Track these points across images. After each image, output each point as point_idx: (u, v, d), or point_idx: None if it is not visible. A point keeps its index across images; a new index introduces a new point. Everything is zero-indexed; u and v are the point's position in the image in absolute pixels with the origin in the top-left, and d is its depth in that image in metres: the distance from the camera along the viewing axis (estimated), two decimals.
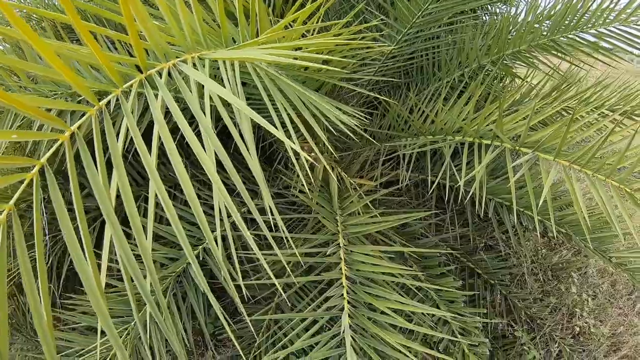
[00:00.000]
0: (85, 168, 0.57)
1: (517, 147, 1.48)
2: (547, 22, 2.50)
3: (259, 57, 0.74)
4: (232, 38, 1.20)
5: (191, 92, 0.68)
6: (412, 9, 1.60)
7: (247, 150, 0.69)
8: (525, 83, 2.33)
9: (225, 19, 0.96)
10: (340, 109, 1.48)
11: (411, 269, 1.91)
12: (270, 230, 1.86)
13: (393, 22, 1.71)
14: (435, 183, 1.72)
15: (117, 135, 0.61)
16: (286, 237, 1.71)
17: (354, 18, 1.87)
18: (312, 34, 1.59)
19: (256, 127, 2.09)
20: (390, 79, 2.16)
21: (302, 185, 1.81)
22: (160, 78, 0.70)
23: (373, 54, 1.70)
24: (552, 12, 2.30)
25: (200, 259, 1.78)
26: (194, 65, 0.76)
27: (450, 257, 2.38)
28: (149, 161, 0.58)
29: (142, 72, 0.69)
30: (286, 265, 0.81)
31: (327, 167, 1.41)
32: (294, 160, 0.86)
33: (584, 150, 1.38)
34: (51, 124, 0.58)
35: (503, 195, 2.07)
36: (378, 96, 1.61)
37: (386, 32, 1.77)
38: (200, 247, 1.81)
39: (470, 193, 1.62)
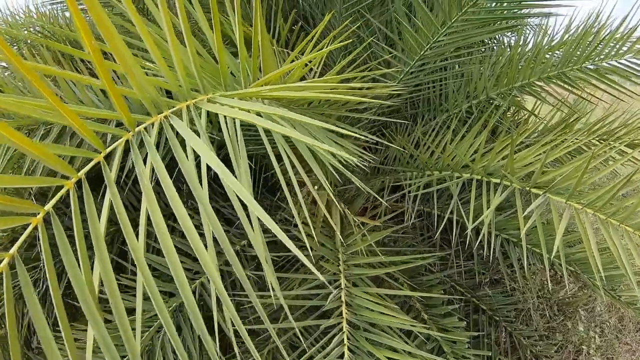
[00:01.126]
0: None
1: (528, 188, 1.39)
2: (558, 52, 2.43)
3: (267, 111, 0.66)
4: (231, 72, 1.12)
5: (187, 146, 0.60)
6: (421, 41, 1.53)
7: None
8: (533, 116, 2.25)
9: (224, 51, 0.87)
10: (342, 141, 1.40)
11: (416, 311, 1.81)
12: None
13: (400, 54, 1.63)
14: (443, 223, 1.63)
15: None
16: (284, 277, 1.62)
17: (362, 50, 1.80)
18: (317, 67, 1.51)
19: (259, 156, 2.01)
20: (396, 112, 2.08)
21: (304, 221, 1.72)
22: (149, 134, 0.62)
23: (379, 91, 1.62)
24: (563, 41, 2.23)
25: (196, 296, 1.68)
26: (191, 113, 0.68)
27: (454, 290, 2.28)
28: (136, 247, 0.49)
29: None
30: (285, 306, 0.72)
31: (322, 203, 1.33)
32: (297, 192, 0.78)
33: (600, 194, 1.29)
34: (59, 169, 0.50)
35: (510, 231, 1.98)
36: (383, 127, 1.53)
37: (394, 65, 1.69)
38: (198, 281, 1.72)
39: (476, 228, 1.53)
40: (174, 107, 0.65)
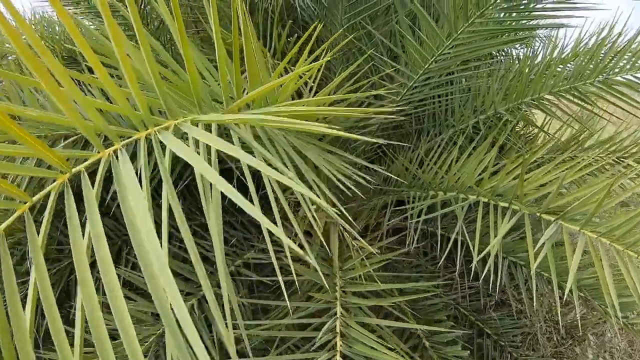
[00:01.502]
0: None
1: (539, 214, 1.28)
2: (570, 64, 2.32)
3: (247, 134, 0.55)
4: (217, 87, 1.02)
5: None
6: (425, 54, 1.42)
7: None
8: (543, 133, 2.13)
9: (193, 59, 0.78)
10: (342, 158, 1.29)
11: (417, 338, 1.70)
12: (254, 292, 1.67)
13: (403, 68, 1.52)
14: (448, 247, 1.52)
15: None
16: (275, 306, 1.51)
17: (364, 62, 1.70)
18: (314, 81, 1.41)
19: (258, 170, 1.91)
20: (400, 127, 1.98)
21: (300, 242, 1.61)
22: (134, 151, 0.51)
23: (383, 104, 1.52)
24: (575, 53, 2.12)
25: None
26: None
27: (458, 313, 2.17)
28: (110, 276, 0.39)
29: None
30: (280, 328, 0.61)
31: (320, 225, 1.22)
32: (291, 217, 0.67)
33: (618, 223, 1.18)
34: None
35: (518, 254, 1.87)
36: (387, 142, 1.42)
37: (397, 80, 1.59)
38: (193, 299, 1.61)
39: (482, 252, 1.42)
40: (129, 137, 0.54)
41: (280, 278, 0.45)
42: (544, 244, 1.22)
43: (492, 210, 1.40)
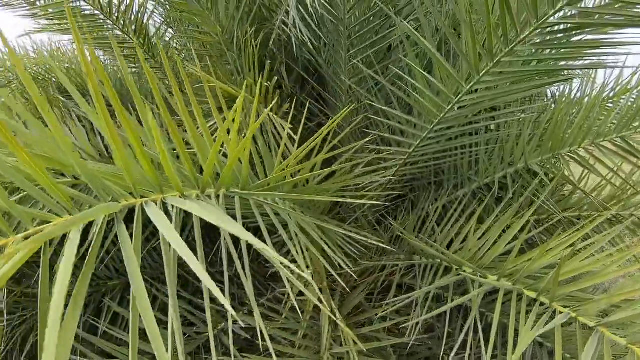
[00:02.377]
0: None
1: (574, 315, 0.95)
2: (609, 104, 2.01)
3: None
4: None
5: None
6: (440, 103, 1.13)
7: None
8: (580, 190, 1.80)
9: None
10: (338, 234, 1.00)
11: None
12: None
13: (416, 119, 1.23)
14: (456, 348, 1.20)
15: None
16: None
17: (368, 107, 1.42)
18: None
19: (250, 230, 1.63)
20: (414, 180, 1.68)
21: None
22: None
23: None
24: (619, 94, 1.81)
25: None
26: None
27: None
28: None
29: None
30: None
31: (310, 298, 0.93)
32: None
33: None
34: None
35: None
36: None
37: (407, 132, 1.30)
38: None
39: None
40: None
41: None
42: None
43: (514, 298, 1.09)
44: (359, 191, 1.40)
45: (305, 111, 1.62)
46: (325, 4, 1.30)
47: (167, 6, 2.03)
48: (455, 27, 1.48)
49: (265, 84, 1.25)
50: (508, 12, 0.85)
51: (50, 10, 2.07)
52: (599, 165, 1.65)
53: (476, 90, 1.09)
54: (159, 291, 1.66)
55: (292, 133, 1.08)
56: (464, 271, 1.22)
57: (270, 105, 0.96)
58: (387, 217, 1.81)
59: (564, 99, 1.60)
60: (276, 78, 1.30)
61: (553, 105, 1.96)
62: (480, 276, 1.19)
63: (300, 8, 1.38)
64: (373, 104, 1.23)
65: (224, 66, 1.49)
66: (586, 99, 1.91)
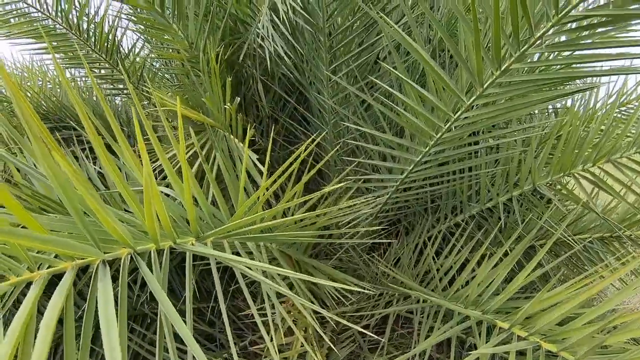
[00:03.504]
0: None
1: None
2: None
3: None
4: None
5: None
6: (436, 121, 0.91)
7: None
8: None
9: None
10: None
11: None
12: None
13: (409, 142, 1.02)
14: None
15: None
16: None
17: (352, 130, 1.21)
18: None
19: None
20: (407, 207, 1.46)
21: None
22: None
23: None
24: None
25: None
26: None
27: None
28: None
29: None
30: None
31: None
32: None
33: None
34: None
35: None
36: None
37: (399, 155, 1.08)
38: None
39: None
40: None
41: None
42: None
43: (531, 351, 0.88)
44: (346, 224, 1.19)
45: (283, 133, 1.41)
46: (302, 12, 1.10)
47: (137, 23, 1.84)
48: (451, 34, 1.28)
49: (225, 105, 1.04)
50: (521, 5, 0.65)
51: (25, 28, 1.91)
52: (611, 181, 1.44)
53: (478, 106, 0.89)
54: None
55: (260, 165, 0.87)
56: (469, 317, 1.01)
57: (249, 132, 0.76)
58: (380, 245, 1.60)
59: (574, 111, 1.39)
60: (238, 99, 1.10)
61: (553, 117, 1.75)
62: (489, 324, 0.98)
63: (275, 18, 1.18)
64: (359, 127, 1.01)
65: (194, 90, 1.28)
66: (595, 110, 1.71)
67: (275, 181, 0.77)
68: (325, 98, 1.23)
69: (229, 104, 1.02)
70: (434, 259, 1.36)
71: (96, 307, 0.48)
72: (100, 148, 0.55)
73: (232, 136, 1.07)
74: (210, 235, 0.69)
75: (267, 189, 0.81)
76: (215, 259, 0.72)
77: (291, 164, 0.77)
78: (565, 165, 1.32)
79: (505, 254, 1.33)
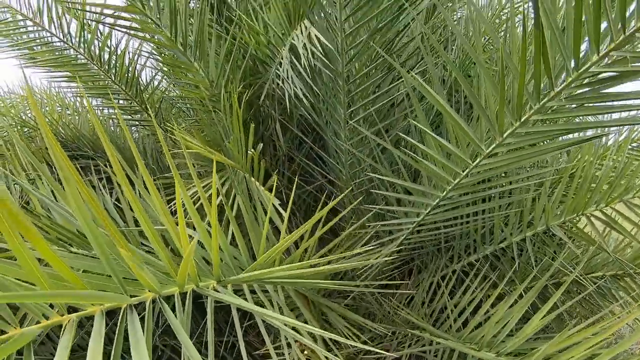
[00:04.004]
0: None
1: None
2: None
3: None
4: None
5: None
6: (454, 168, 0.92)
7: None
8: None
9: None
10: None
11: None
12: None
13: (425, 188, 1.03)
14: None
15: None
16: None
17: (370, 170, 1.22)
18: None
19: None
20: (420, 248, 1.46)
21: None
22: None
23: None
24: None
25: None
26: None
27: None
28: None
29: None
30: None
31: None
32: None
33: None
34: None
35: None
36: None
37: (415, 200, 1.09)
38: None
39: None
40: None
41: None
42: None
43: None
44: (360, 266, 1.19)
45: (300, 172, 1.42)
46: (321, 57, 1.12)
47: (160, 61, 1.88)
48: (465, 74, 1.30)
49: (249, 151, 1.05)
50: (543, 59, 0.66)
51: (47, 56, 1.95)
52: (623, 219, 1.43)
53: (496, 154, 0.89)
54: None
55: (281, 210, 0.88)
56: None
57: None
58: (393, 283, 1.59)
59: (588, 149, 1.40)
60: (261, 144, 1.11)
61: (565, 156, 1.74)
62: None
63: (295, 60, 1.20)
64: (375, 175, 1.02)
65: (213, 126, 1.30)
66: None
67: (293, 229, 0.78)
68: (342, 140, 1.24)
69: (252, 150, 1.04)
70: (448, 298, 1.35)
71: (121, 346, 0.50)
72: (127, 188, 0.57)
73: (252, 178, 1.08)
74: (231, 280, 0.70)
75: (287, 234, 0.82)
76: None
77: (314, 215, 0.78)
78: (578, 206, 1.32)
79: (520, 295, 1.32)
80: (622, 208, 1.39)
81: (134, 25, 1.33)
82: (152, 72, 2.06)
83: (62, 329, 0.51)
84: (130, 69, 1.86)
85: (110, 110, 2.35)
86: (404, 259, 1.52)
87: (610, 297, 1.61)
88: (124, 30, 1.37)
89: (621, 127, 1.56)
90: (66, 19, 1.86)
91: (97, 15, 1.43)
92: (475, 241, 1.43)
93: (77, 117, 2.32)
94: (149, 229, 0.60)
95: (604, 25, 0.65)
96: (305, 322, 1.17)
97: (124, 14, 1.31)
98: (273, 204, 0.86)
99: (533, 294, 1.08)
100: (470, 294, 1.29)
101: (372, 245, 1.28)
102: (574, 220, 1.38)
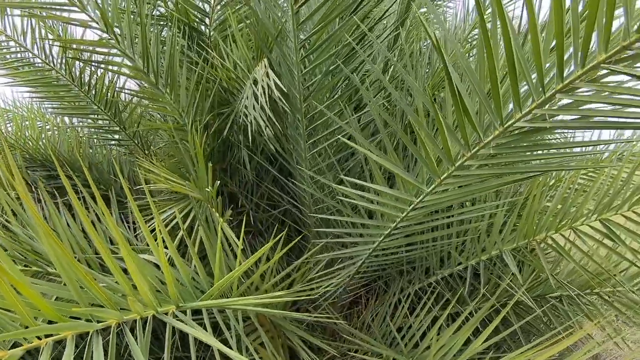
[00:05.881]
0: None
1: None
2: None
3: None
4: None
5: None
6: (400, 206, 0.97)
7: None
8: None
9: None
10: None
11: None
12: None
13: (377, 222, 1.07)
14: None
15: None
16: None
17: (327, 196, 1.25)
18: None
19: None
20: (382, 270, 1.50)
21: None
22: None
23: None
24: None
25: None
26: None
27: None
28: None
29: None
30: None
31: None
32: None
33: None
34: None
35: None
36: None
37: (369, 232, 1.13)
38: None
39: None
40: None
41: None
42: None
43: None
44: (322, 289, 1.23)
45: (267, 196, 1.46)
46: (279, 94, 1.16)
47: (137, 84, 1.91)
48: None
49: (207, 189, 1.09)
50: (467, 118, 0.71)
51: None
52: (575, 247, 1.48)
53: (438, 191, 0.94)
54: None
55: (235, 238, 0.91)
56: None
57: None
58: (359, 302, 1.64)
59: (537, 184, 1.45)
60: (218, 182, 1.15)
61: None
62: None
63: (258, 94, 1.23)
64: (332, 203, 1.06)
65: (184, 153, 1.33)
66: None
67: (259, 248, 0.82)
68: (305, 168, 1.28)
69: (210, 188, 1.07)
70: (406, 316, 1.39)
71: None
72: (85, 219, 0.65)
73: (213, 209, 1.12)
74: (190, 306, 0.74)
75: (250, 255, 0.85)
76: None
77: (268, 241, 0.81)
78: (529, 233, 1.37)
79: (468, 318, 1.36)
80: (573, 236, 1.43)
81: (108, 58, 1.36)
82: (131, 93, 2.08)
83: (40, 351, 0.61)
84: (109, 91, 1.89)
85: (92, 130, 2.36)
86: (367, 280, 1.56)
87: (566, 318, 1.66)
88: (99, 63, 1.39)
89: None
90: (49, 43, 1.89)
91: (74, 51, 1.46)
92: (433, 268, 1.48)
93: (56, 133, 2.32)
94: (109, 259, 0.64)
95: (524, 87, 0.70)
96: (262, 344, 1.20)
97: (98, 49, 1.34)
98: (225, 234, 0.89)
99: (479, 316, 1.12)
100: (424, 314, 1.33)
101: (334, 269, 1.32)
102: (527, 246, 1.43)
